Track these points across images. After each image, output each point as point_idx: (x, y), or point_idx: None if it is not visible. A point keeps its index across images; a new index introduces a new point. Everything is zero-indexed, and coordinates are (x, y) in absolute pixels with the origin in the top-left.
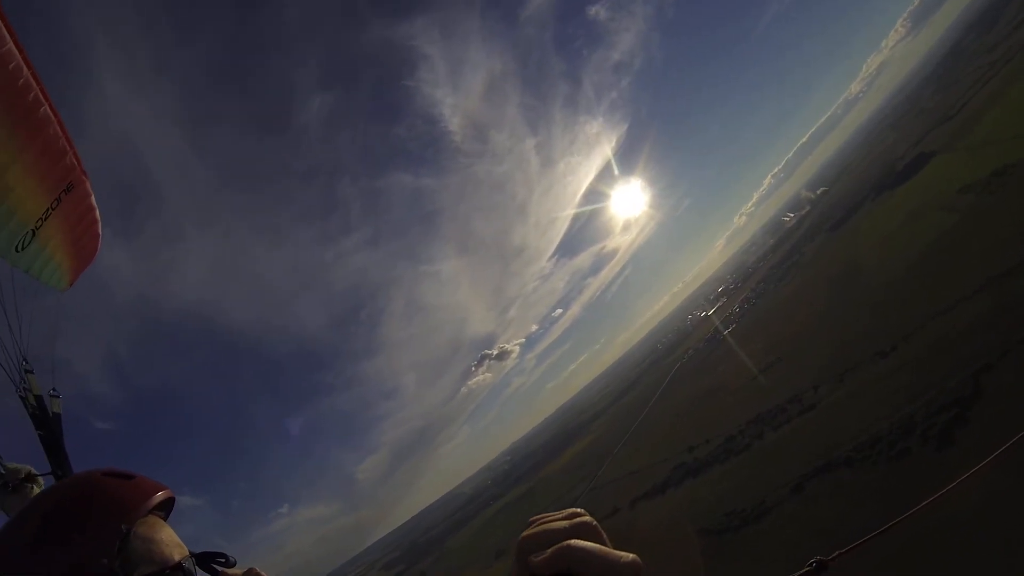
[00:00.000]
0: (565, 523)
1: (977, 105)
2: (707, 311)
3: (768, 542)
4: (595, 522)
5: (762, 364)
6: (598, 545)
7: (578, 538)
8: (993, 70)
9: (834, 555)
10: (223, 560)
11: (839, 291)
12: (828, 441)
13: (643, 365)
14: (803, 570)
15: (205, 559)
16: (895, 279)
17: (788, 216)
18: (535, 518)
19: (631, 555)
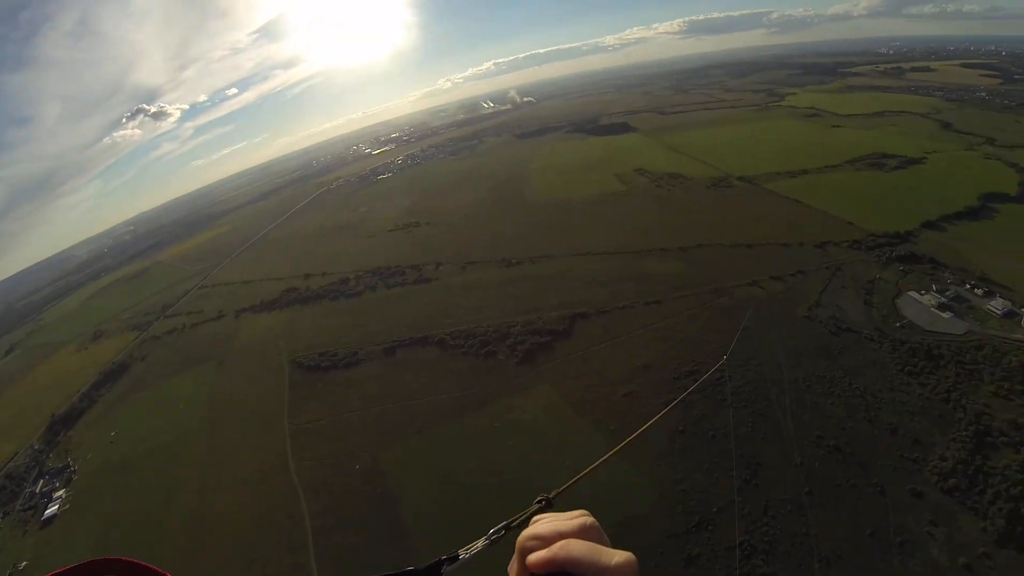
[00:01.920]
0: (568, 524)
1: (688, 119)
2: (372, 150)
3: (348, 392)
4: (597, 524)
5: (401, 223)
6: (593, 544)
7: (577, 539)
8: (718, 104)
9: (555, 492)
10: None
11: (497, 192)
12: (431, 318)
13: (292, 175)
14: (531, 508)
15: None
16: (549, 206)
17: (489, 104)
18: (538, 517)
19: (626, 554)
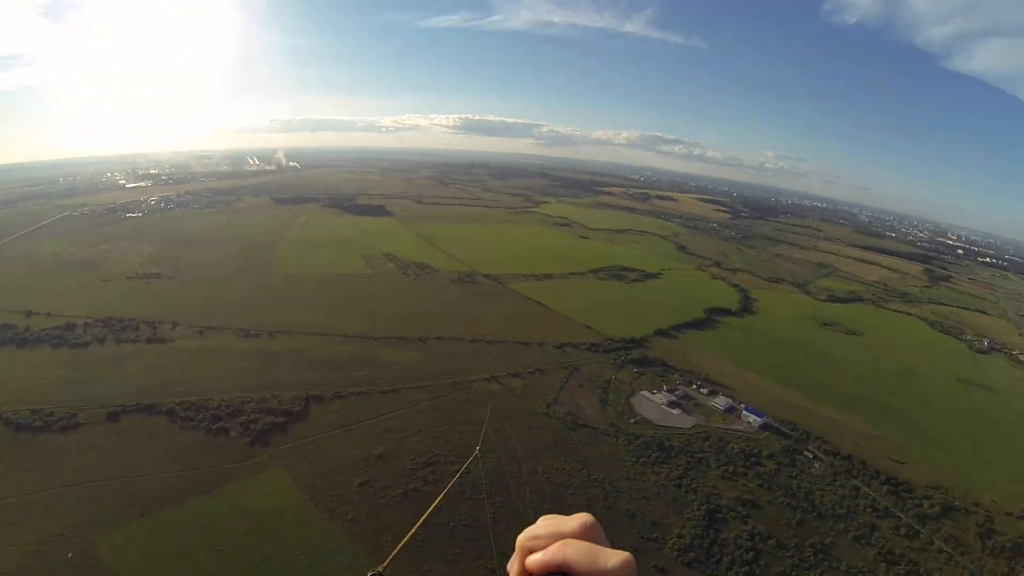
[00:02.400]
0: (568, 524)
1: (445, 212)
2: (128, 183)
3: (62, 461)
4: (597, 524)
5: (143, 271)
6: (590, 545)
7: (576, 539)
8: (476, 201)
9: (385, 563)
10: None
11: (245, 255)
12: (162, 384)
13: (33, 189)
14: None
15: None
16: (295, 279)
17: (254, 160)
18: (545, 517)
19: (623, 554)
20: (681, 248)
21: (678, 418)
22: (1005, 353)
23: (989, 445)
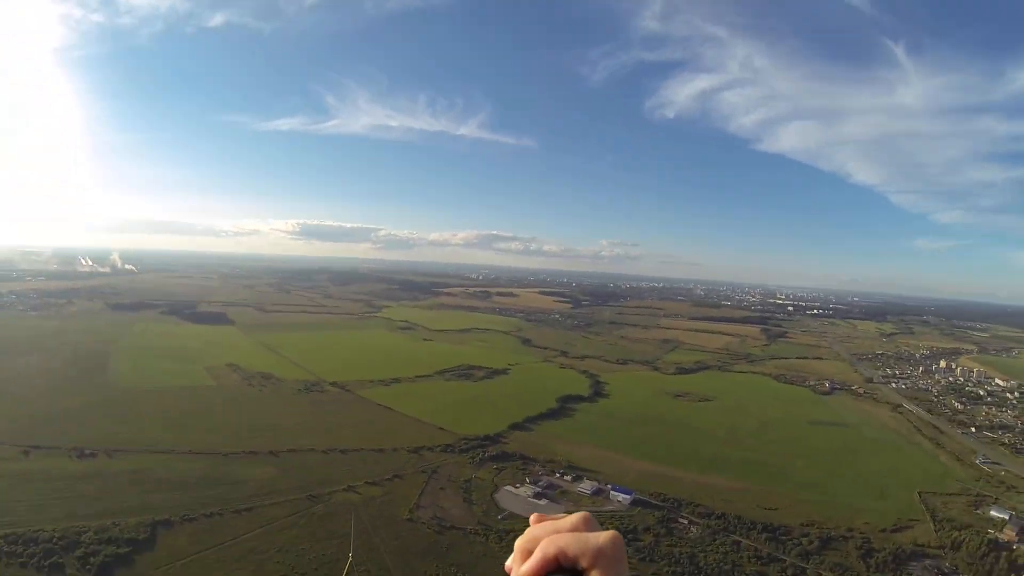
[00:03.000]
0: (563, 522)
1: (288, 320)
2: None
3: None
4: (592, 517)
5: None
6: (576, 532)
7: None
8: (318, 308)
9: None
10: None
11: (77, 365)
12: None
13: None
14: None
15: None
16: (133, 392)
17: (87, 261)
18: (536, 516)
19: (610, 532)
20: (526, 342)
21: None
22: (846, 390)
23: (850, 473)
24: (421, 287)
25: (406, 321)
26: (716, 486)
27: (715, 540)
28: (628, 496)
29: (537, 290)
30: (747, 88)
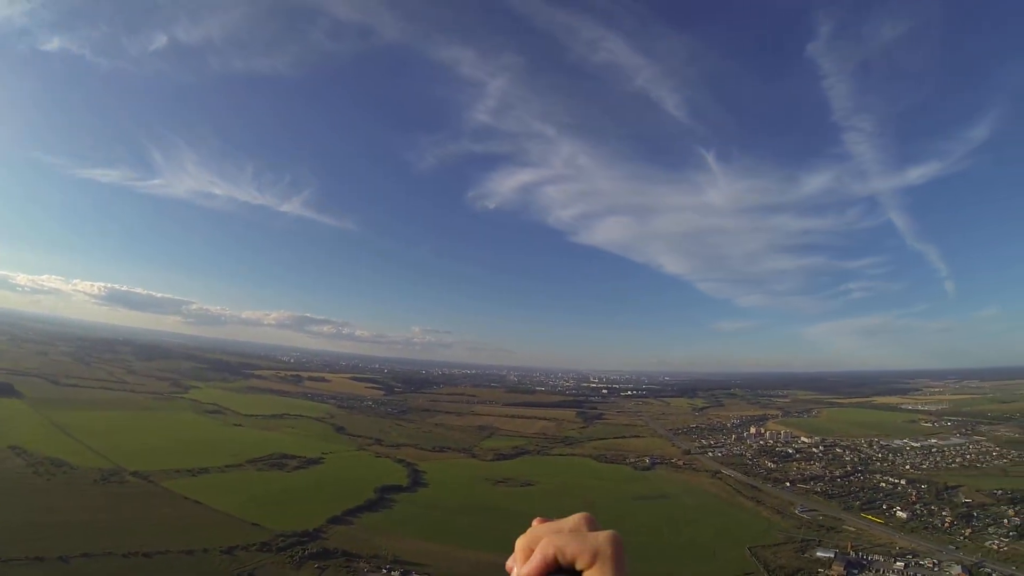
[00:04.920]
0: (563, 523)
1: (85, 395)
2: None
3: None
4: (592, 517)
5: None
6: (574, 531)
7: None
8: (120, 385)
9: None
10: None
11: None
12: None
13: None
14: None
15: None
16: None
17: None
18: (539, 519)
19: (609, 531)
20: (339, 429)
21: None
22: (666, 463)
23: (680, 541)
24: (231, 367)
25: (215, 404)
26: None
27: None
28: None
29: (350, 375)
30: (568, 184)
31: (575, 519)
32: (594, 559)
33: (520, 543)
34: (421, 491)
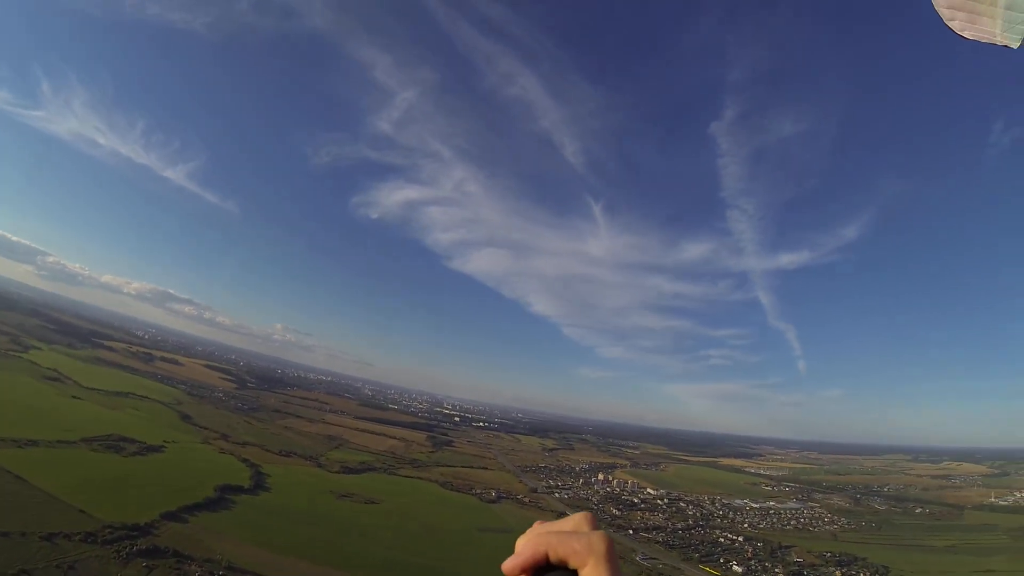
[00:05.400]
0: (562, 524)
1: None
2: None
3: None
4: (592, 516)
5: None
6: (561, 531)
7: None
8: None
9: None
10: None
11: None
12: None
13: None
14: None
15: None
16: None
17: None
18: (539, 523)
19: (599, 531)
20: (186, 418)
21: None
22: (512, 499)
23: None
24: (80, 333)
25: (55, 370)
26: None
27: None
28: None
29: (204, 362)
30: (454, 208)
31: (576, 519)
32: (587, 558)
33: (519, 544)
34: (263, 495)
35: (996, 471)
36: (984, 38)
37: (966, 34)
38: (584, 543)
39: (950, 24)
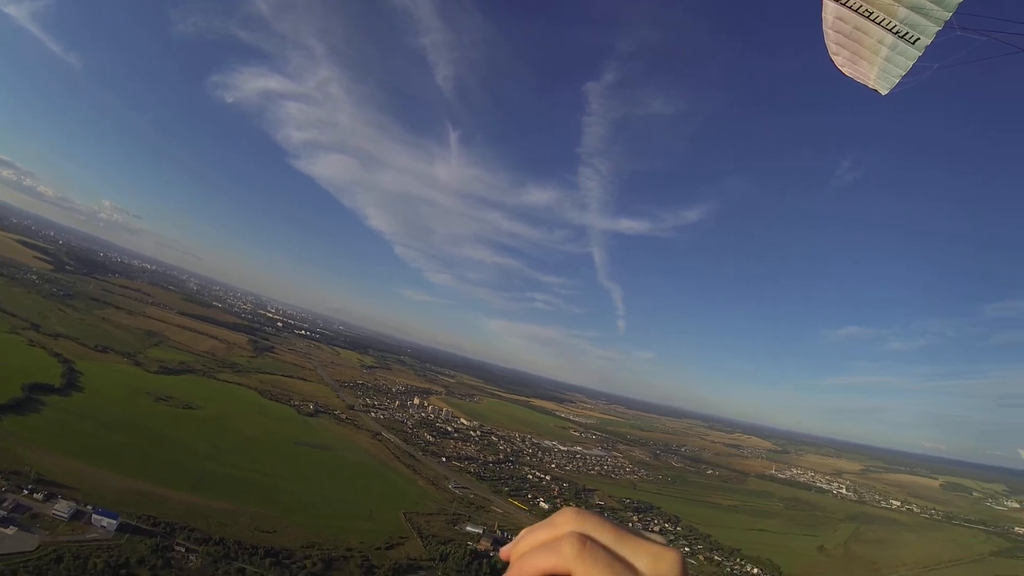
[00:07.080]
0: (561, 527)
1: None
2: None
3: None
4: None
5: None
6: (548, 547)
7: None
8: None
9: None
10: None
11: None
12: None
13: None
14: None
15: None
16: None
17: None
18: (529, 529)
19: (576, 534)
20: None
21: (16, 539)
22: (329, 414)
23: (339, 495)
24: None
25: None
26: (208, 507)
27: (218, 569)
28: (114, 520)
29: (18, 237)
30: (312, 107)
31: (563, 523)
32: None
33: (504, 554)
34: (76, 396)
35: (779, 448)
36: (859, 79)
37: (845, 71)
38: (568, 556)
39: (833, 58)
